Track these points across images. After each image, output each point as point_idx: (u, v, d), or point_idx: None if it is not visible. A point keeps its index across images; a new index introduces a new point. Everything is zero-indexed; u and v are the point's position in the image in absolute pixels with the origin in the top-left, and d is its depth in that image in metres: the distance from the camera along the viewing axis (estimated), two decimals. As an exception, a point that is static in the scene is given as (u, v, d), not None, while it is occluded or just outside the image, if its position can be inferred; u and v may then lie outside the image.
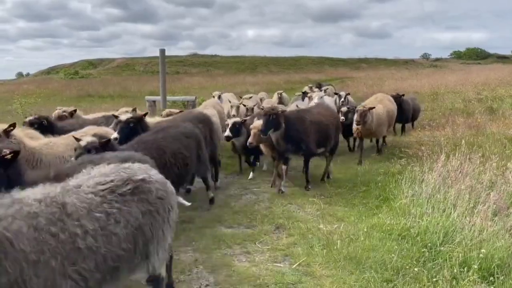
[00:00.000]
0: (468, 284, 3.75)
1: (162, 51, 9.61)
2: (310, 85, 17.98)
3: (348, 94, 12.05)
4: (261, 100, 13.25)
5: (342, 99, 11.52)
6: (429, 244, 4.50)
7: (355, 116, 8.71)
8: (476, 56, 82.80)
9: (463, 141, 7.96)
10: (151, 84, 29.73)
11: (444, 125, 11.37)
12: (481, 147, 8.12)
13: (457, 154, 6.69)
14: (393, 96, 11.00)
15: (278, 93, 13.76)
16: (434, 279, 3.87)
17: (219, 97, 11.44)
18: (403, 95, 11.60)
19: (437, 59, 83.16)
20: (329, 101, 11.13)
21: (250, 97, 12.95)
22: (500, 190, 5.38)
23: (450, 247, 4.36)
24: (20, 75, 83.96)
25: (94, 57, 77.85)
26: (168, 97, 11.51)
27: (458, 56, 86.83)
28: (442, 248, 4.41)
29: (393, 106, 10.07)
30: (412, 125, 13.03)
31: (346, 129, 9.63)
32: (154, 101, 13.55)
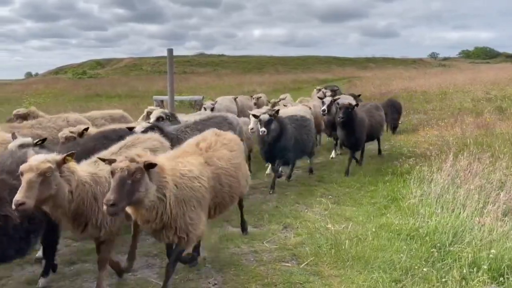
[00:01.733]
0: (477, 284, 3.72)
1: (170, 51, 9.61)
2: (318, 88, 14.71)
3: (336, 100, 9.12)
4: (257, 99, 11.99)
5: (324, 108, 8.91)
6: (438, 244, 4.47)
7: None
8: (484, 55, 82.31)
9: (470, 140, 7.93)
10: (158, 84, 29.85)
11: (453, 125, 11.29)
12: (491, 146, 8.06)
13: (465, 154, 6.66)
14: (343, 110, 7.88)
15: (281, 98, 11.62)
16: (443, 280, 3.84)
17: (212, 109, 9.07)
18: (355, 105, 8.25)
19: (445, 58, 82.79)
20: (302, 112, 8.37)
21: (235, 98, 11.60)
22: (510, 190, 5.34)
23: (459, 247, 4.33)
24: (29, 75, 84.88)
25: (102, 57, 78.48)
26: (176, 97, 11.52)
27: (466, 55, 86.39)
28: (451, 248, 4.38)
29: (230, 164, 4.29)
30: (379, 149, 9.84)
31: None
32: (161, 101, 13.62)
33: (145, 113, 7.64)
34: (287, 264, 4.50)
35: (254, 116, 7.19)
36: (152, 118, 6.12)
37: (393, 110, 12.47)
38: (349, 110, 7.90)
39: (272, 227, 5.51)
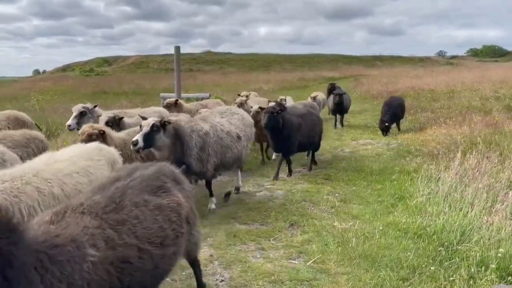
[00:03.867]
0: (485, 283, 3.70)
1: (177, 48, 9.67)
2: (314, 95, 13.18)
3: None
4: (247, 98, 10.64)
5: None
6: (446, 243, 4.46)
7: None
8: (493, 53, 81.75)
9: (478, 138, 7.87)
10: (165, 82, 29.97)
11: (461, 123, 11.22)
12: (499, 145, 8.00)
13: (474, 152, 6.62)
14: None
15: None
16: (451, 278, 3.83)
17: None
18: None
19: (453, 57, 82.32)
20: None
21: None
22: (518, 189, 5.30)
23: (467, 246, 4.32)
24: (36, 72, 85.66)
25: (108, 54, 78.86)
26: (182, 94, 11.55)
27: (474, 53, 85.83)
28: (459, 247, 4.37)
29: None
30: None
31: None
32: (168, 98, 13.66)
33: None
34: (294, 262, 4.51)
35: None
36: None
37: (386, 109, 11.56)
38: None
39: (278, 225, 5.51)
